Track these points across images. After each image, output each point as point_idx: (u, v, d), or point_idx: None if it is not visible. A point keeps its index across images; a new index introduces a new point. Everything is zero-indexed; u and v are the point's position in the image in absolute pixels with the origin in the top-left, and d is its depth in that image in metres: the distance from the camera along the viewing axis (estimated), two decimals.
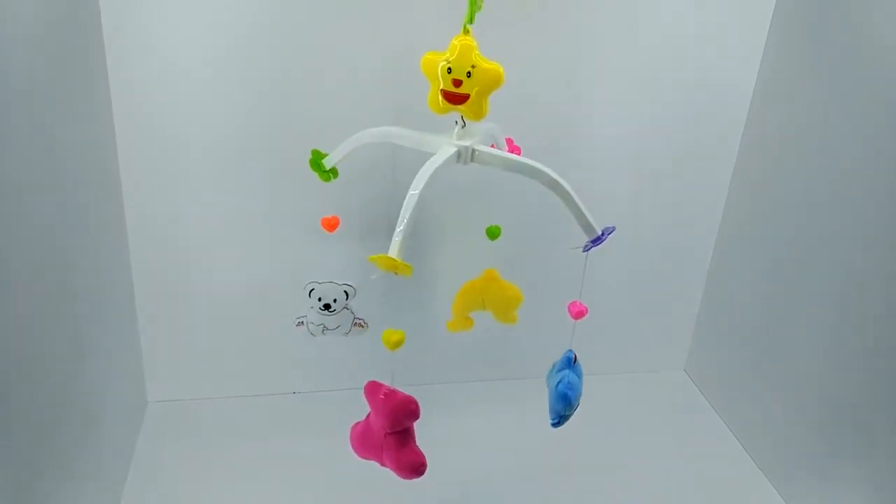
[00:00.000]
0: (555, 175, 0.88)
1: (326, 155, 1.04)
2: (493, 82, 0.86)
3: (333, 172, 1.06)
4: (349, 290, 1.08)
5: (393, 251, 0.76)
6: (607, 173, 1.37)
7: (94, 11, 1.08)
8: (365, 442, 0.86)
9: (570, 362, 0.94)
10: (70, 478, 0.93)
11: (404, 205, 0.79)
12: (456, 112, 0.89)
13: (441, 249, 1.38)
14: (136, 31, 1.12)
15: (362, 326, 1.11)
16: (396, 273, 0.75)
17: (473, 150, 0.90)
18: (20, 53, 0.78)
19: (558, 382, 0.92)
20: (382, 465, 0.86)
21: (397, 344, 0.79)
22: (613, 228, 0.89)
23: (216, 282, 1.33)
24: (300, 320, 1.10)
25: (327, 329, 1.10)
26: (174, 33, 1.13)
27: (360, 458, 0.88)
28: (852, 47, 1.10)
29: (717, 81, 1.33)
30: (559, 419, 0.92)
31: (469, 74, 0.85)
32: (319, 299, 1.07)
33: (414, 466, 0.83)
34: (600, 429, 1.40)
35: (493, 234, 1.15)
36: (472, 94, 0.86)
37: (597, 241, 0.89)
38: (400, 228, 0.78)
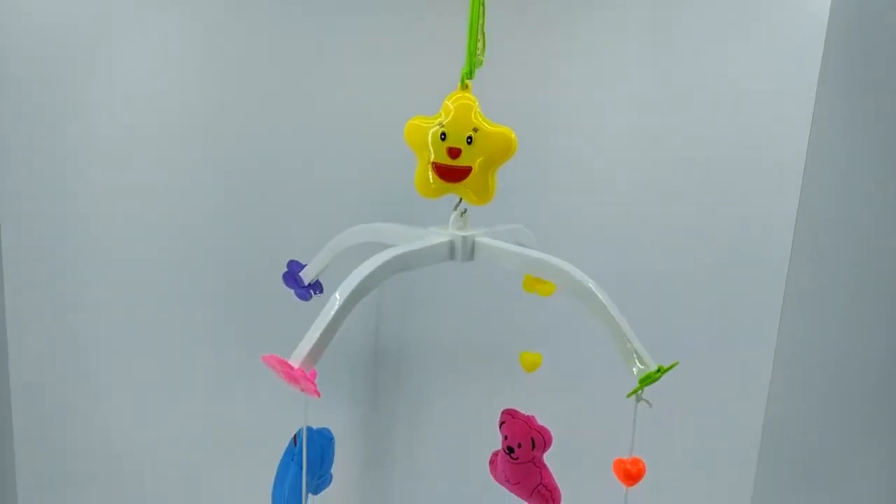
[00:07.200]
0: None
1: None
2: (503, 151, 0.64)
3: None
4: None
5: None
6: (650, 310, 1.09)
7: None
8: None
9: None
10: None
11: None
12: (454, 194, 0.67)
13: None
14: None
15: None
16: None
17: (473, 242, 0.66)
18: None
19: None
20: None
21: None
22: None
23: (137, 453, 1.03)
24: None
25: None
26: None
27: None
28: None
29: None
30: None
31: (470, 141, 0.64)
32: None
33: None
34: None
35: None
36: (475, 167, 0.64)
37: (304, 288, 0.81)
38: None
